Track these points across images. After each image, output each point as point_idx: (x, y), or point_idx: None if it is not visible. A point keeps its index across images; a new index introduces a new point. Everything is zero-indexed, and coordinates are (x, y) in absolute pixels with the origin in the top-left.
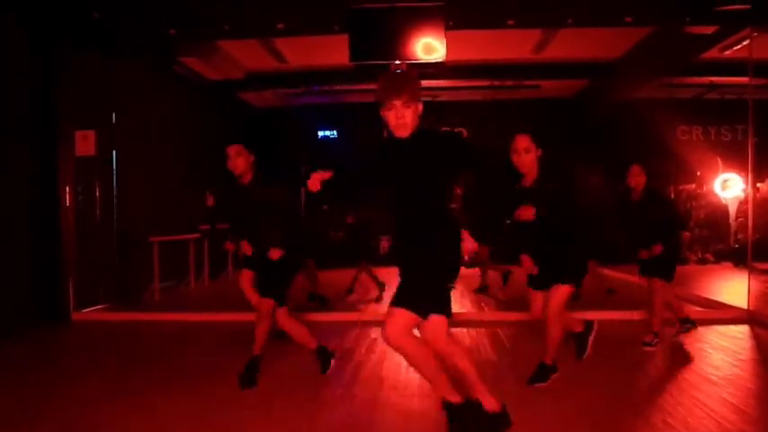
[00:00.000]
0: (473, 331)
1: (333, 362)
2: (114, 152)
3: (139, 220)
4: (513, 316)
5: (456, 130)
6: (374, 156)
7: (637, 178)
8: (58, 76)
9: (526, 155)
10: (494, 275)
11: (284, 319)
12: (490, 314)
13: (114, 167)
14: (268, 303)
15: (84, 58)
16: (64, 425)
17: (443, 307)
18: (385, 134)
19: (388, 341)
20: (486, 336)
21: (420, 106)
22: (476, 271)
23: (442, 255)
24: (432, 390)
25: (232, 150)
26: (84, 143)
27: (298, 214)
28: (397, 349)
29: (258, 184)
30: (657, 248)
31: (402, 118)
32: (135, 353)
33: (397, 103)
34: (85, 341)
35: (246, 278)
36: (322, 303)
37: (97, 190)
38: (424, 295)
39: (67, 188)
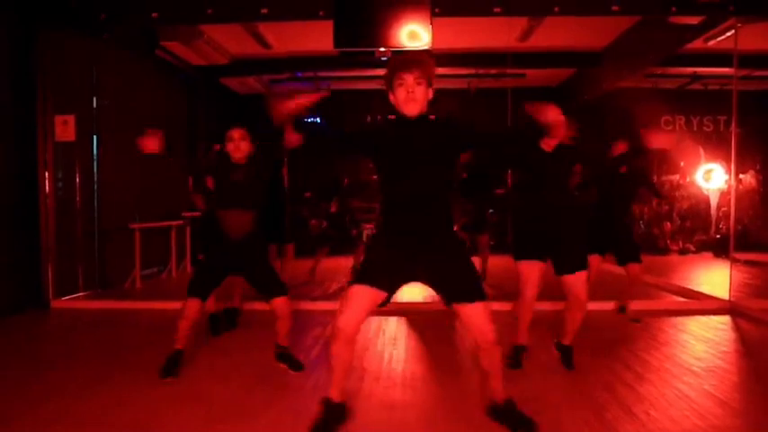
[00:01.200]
0: (456, 321)
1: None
2: (95, 137)
3: (120, 207)
4: (500, 306)
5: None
6: (374, 130)
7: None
8: (37, 61)
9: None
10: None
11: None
12: None
13: (95, 153)
14: (284, 302)
15: (64, 42)
16: (39, 415)
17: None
18: (391, 117)
19: (494, 342)
20: None
21: (431, 92)
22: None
23: (454, 237)
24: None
25: (237, 134)
26: (64, 128)
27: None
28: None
29: (255, 168)
30: None
31: (412, 92)
32: (115, 341)
33: (409, 77)
34: (64, 329)
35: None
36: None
37: (77, 176)
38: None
39: (47, 174)
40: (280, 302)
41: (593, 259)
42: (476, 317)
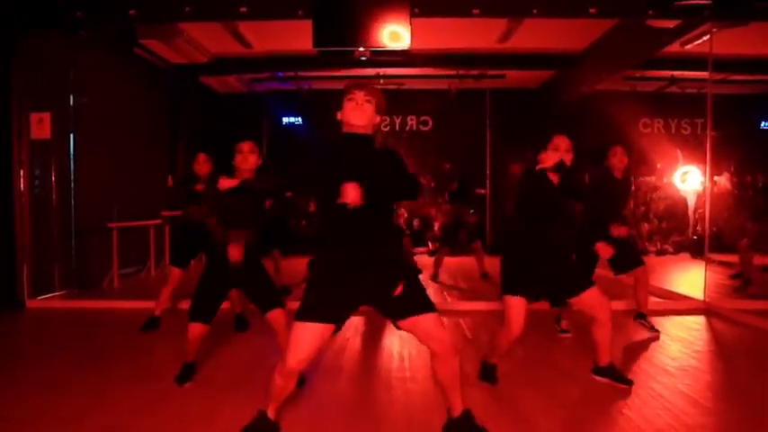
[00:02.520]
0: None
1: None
2: (72, 135)
3: (98, 206)
4: (475, 305)
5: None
6: (323, 160)
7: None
8: (11, 58)
9: (567, 154)
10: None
11: None
12: (453, 303)
13: (72, 151)
14: (279, 315)
15: (41, 39)
16: (14, 415)
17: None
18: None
19: (452, 350)
20: (448, 326)
21: (378, 120)
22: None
23: (398, 255)
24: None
25: (246, 146)
26: (40, 126)
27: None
28: (455, 357)
29: (258, 184)
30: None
31: (360, 106)
32: (91, 341)
33: (359, 94)
34: (40, 329)
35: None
36: (286, 292)
37: (53, 174)
38: (422, 293)
39: (22, 172)
40: (275, 315)
41: None
42: (430, 327)
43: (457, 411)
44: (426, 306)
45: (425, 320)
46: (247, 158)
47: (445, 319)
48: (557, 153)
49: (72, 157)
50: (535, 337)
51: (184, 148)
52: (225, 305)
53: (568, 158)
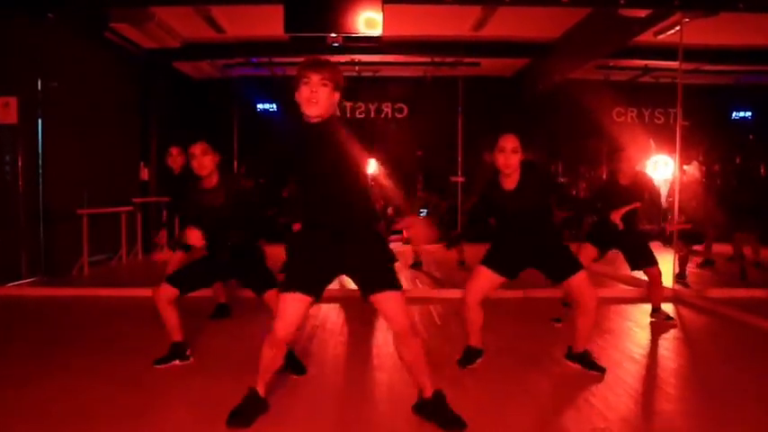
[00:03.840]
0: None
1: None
2: (40, 120)
3: (67, 192)
4: (446, 293)
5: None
6: (284, 147)
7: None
8: None
9: (513, 155)
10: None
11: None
12: (424, 291)
13: (40, 136)
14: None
15: (7, 21)
16: None
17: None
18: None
19: (410, 330)
20: (419, 313)
21: (337, 96)
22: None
23: (376, 236)
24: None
25: (197, 149)
26: (6, 110)
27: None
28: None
29: (229, 190)
30: None
31: (315, 93)
32: (59, 330)
33: (314, 77)
34: (6, 318)
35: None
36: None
37: (20, 159)
38: (391, 273)
39: None
40: (270, 296)
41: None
42: (391, 305)
43: (428, 392)
44: (393, 284)
45: (389, 298)
46: (201, 161)
47: (416, 307)
48: (502, 154)
49: (40, 142)
50: (505, 326)
51: (156, 134)
52: (207, 293)
53: (515, 160)
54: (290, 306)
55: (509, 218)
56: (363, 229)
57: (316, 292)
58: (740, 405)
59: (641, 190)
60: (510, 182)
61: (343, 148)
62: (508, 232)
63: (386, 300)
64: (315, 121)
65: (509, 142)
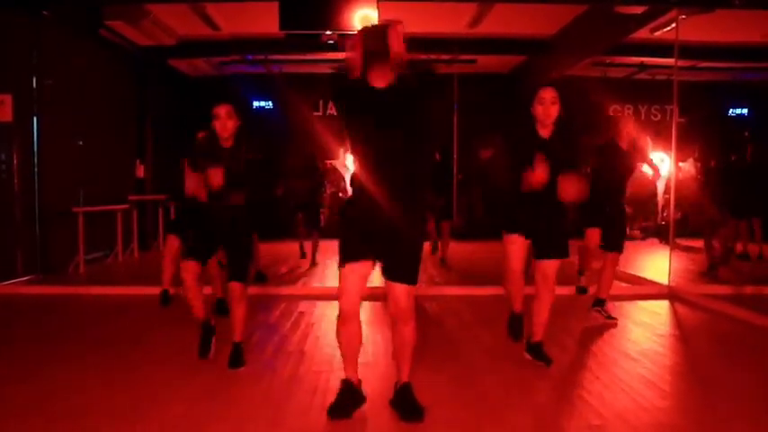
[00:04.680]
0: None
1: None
2: (35, 118)
3: (62, 190)
4: (440, 290)
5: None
6: (345, 91)
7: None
8: None
9: (552, 106)
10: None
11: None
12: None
13: (35, 134)
14: (239, 288)
15: (1, 18)
16: None
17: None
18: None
19: (407, 319)
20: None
21: (404, 56)
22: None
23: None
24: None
25: (222, 110)
26: (0, 108)
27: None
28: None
29: (243, 152)
30: None
31: (383, 71)
32: (55, 328)
33: (381, 67)
34: (2, 316)
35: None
36: (261, 279)
37: (15, 157)
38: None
39: None
40: (234, 286)
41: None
42: (399, 292)
43: (401, 381)
44: (410, 279)
45: (403, 287)
46: (225, 124)
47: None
48: (542, 105)
49: (35, 140)
50: (500, 324)
51: (152, 132)
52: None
53: (554, 111)
54: (350, 279)
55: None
56: (410, 204)
57: (371, 255)
58: (735, 401)
59: (641, 156)
60: (546, 131)
61: (398, 111)
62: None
63: (398, 287)
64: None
65: (548, 93)
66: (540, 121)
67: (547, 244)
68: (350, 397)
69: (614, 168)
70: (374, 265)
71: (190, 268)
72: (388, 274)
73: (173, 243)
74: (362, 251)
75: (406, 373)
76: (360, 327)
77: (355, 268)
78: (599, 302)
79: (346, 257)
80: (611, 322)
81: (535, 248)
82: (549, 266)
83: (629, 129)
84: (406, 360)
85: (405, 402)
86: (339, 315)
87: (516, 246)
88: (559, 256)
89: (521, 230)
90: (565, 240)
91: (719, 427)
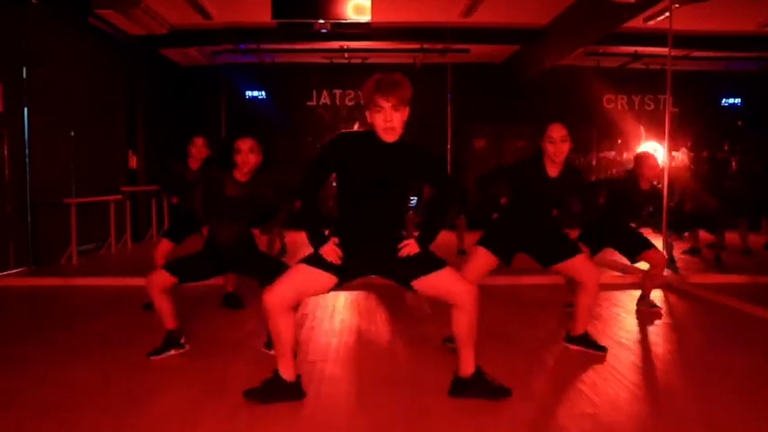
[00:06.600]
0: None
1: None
2: (26, 108)
3: (55, 181)
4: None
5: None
6: (341, 147)
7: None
8: None
9: (563, 144)
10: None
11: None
12: None
13: (26, 125)
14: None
15: None
16: None
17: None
18: (359, 127)
19: (474, 303)
20: (411, 300)
21: (407, 111)
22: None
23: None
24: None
25: (245, 145)
26: None
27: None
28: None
29: (256, 188)
30: None
31: (390, 121)
32: (48, 320)
33: (387, 105)
34: None
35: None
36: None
37: (5, 148)
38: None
39: None
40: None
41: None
42: (446, 282)
43: (468, 369)
44: (436, 264)
45: (435, 278)
46: (247, 159)
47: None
48: (552, 144)
49: (26, 130)
50: (498, 310)
51: (144, 122)
52: (218, 281)
53: (564, 149)
54: (298, 277)
55: (538, 202)
56: (395, 241)
57: (342, 276)
58: (727, 389)
59: (660, 196)
60: (554, 169)
61: (399, 171)
62: (523, 214)
63: (437, 279)
64: (389, 141)
65: (558, 132)
66: (551, 158)
67: (561, 246)
68: (276, 388)
69: (634, 209)
70: (336, 285)
71: (162, 281)
72: (413, 278)
73: (164, 247)
74: (331, 266)
75: (472, 359)
76: (292, 321)
77: (314, 273)
78: (642, 298)
79: (313, 262)
80: (655, 311)
81: (548, 258)
82: (580, 263)
83: (653, 173)
84: (470, 345)
85: (485, 385)
86: (263, 307)
87: (482, 261)
88: (577, 251)
89: (497, 251)
90: (569, 238)
91: (712, 415)
